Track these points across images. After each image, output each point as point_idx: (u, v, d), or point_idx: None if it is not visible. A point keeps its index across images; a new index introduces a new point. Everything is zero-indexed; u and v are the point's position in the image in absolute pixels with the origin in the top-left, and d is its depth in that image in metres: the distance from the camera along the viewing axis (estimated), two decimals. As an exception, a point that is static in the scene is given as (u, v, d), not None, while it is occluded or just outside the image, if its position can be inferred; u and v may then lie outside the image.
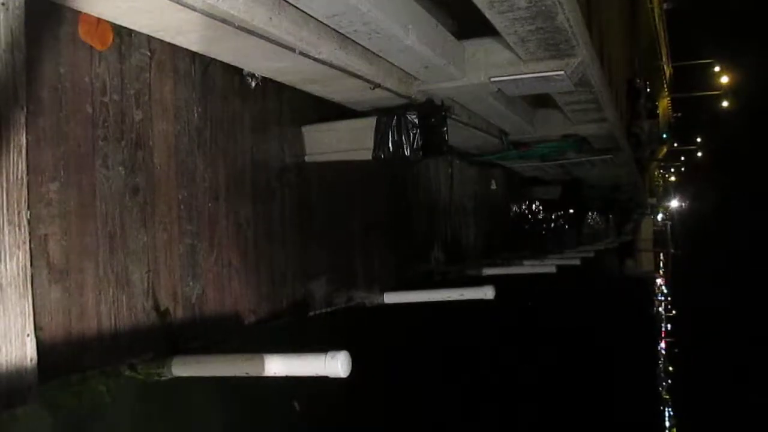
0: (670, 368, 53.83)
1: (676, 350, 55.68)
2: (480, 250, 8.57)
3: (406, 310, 5.41)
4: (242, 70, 3.71)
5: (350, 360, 2.70)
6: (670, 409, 50.37)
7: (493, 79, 4.51)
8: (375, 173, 5.36)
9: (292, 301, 4.14)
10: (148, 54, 3.02)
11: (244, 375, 2.82)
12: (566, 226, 15.60)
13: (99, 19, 2.74)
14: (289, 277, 4.13)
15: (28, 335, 2.22)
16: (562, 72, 4.32)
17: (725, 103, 43.69)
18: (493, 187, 9.34)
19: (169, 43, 3.11)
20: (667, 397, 50.76)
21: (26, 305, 2.22)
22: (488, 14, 3.57)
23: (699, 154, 57.20)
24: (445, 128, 4.61)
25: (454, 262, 7.32)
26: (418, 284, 5.80)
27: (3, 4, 2.09)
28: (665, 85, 34.18)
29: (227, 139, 3.58)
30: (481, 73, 4.53)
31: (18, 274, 2.18)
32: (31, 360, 2.22)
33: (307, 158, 4.39)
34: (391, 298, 5.28)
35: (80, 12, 2.65)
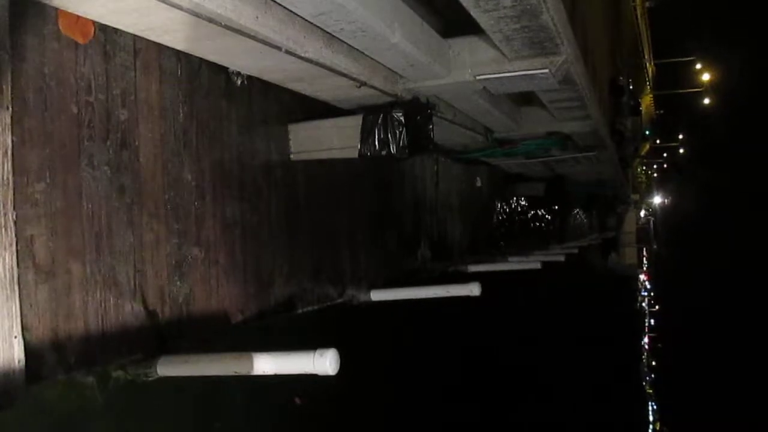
0: (653, 363, 54.42)
1: (659, 345, 56.31)
2: (466, 247, 8.61)
3: (393, 307, 5.43)
4: (228, 68, 3.70)
5: (339, 357, 2.71)
6: (653, 404, 50.91)
7: (478, 77, 4.53)
8: (361, 171, 5.38)
9: (279, 300, 4.14)
10: (134, 53, 3.01)
11: (233, 374, 2.82)
12: (551, 223, 15.70)
13: (79, 12, 2.71)
14: (277, 275, 4.13)
15: (15, 337, 2.21)
16: (546, 70, 4.35)
17: (707, 100, 44.18)
18: (478, 184, 9.38)
19: (154, 42, 3.10)
20: (651, 391, 51.31)
21: (13, 307, 2.22)
22: (474, 13, 3.58)
23: (681, 150, 57.81)
24: (430, 126, 4.63)
25: (440, 260, 7.35)
26: (405, 281, 5.82)
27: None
28: (648, 83, 34.48)
29: (213, 138, 3.57)
30: (466, 71, 4.55)
31: (5, 275, 2.18)
32: (18, 361, 2.22)
33: (293, 157, 4.38)
34: (378, 295, 5.30)
35: (65, 9, 2.63)
